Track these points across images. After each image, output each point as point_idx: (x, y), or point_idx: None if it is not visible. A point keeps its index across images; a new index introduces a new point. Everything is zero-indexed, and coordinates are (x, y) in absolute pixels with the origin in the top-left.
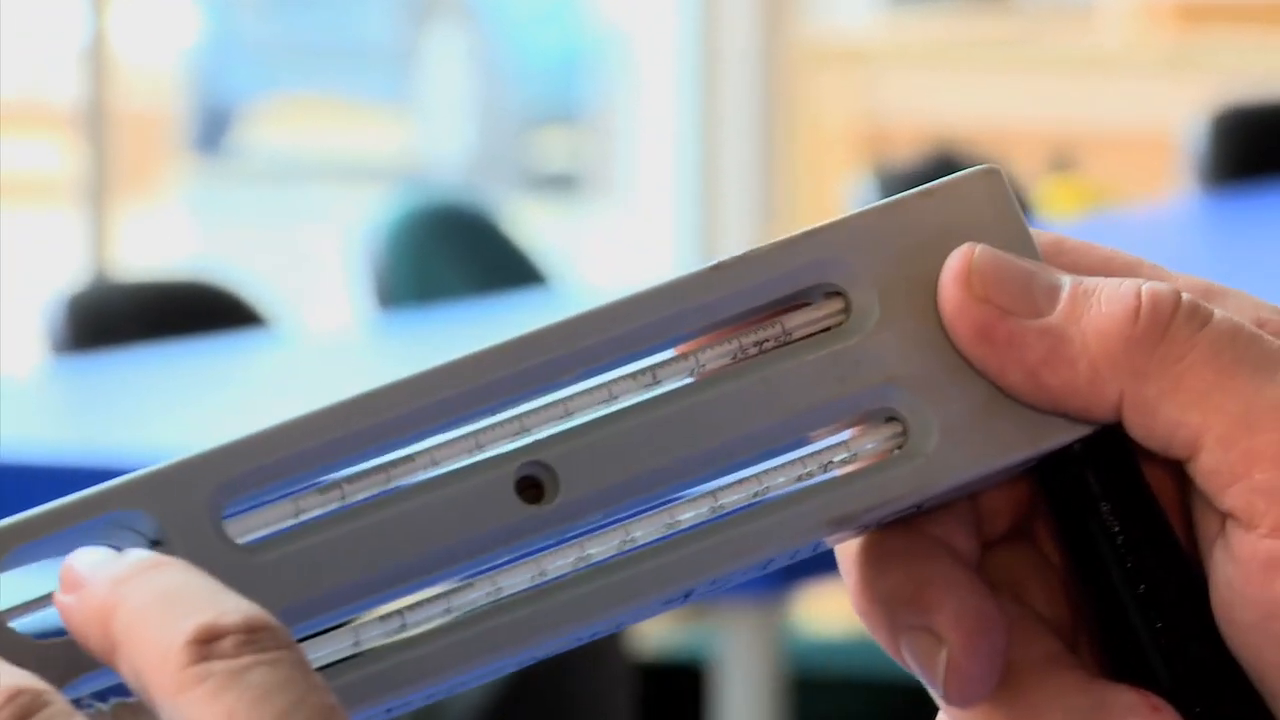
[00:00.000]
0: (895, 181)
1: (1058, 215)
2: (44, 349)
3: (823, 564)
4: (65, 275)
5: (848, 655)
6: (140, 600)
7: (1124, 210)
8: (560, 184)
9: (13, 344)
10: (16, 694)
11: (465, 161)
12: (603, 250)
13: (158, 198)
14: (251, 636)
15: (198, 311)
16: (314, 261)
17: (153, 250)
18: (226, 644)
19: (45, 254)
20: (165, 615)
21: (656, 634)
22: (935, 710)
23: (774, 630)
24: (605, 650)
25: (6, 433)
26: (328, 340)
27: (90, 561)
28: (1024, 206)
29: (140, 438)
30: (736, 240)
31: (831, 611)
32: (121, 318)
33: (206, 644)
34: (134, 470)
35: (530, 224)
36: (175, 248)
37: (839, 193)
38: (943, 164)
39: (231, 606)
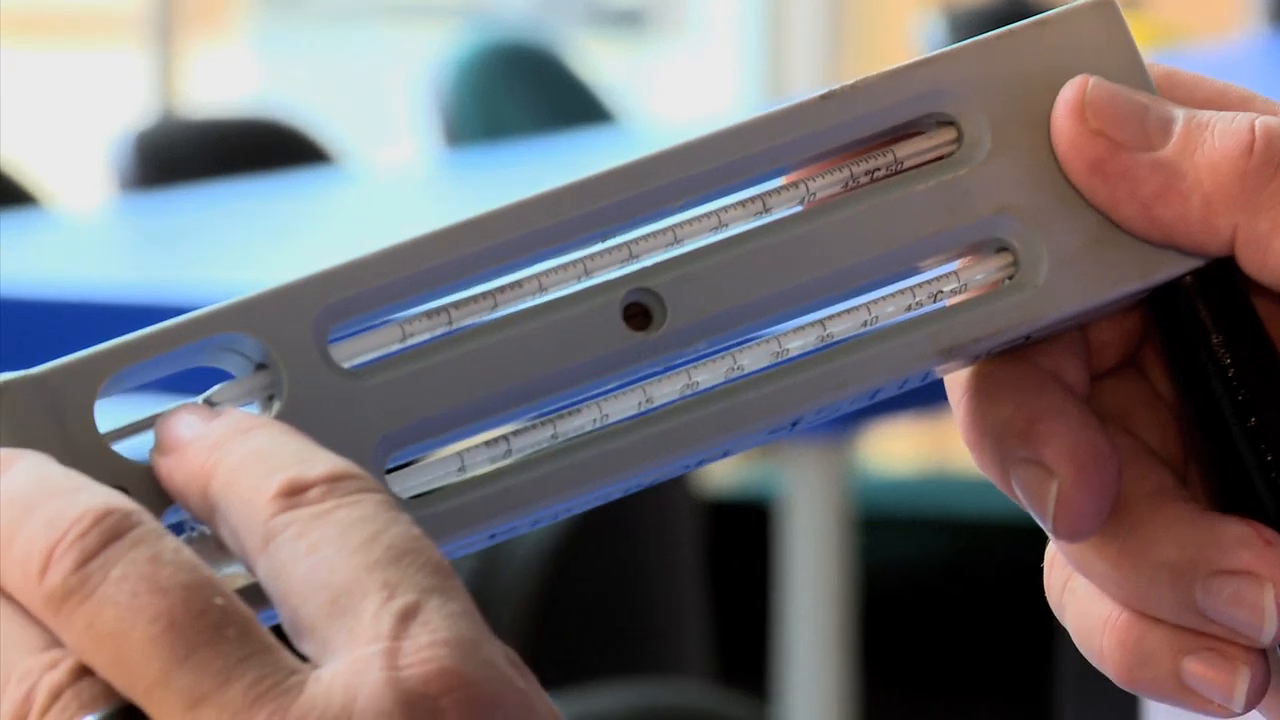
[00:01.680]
0: (965, 21)
1: None
2: (112, 186)
3: (891, 403)
4: (133, 112)
5: (915, 494)
6: (233, 463)
7: (1193, 48)
8: (627, 20)
9: (82, 180)
10: (106, 514)
11: None
12: (669, 87)
13: (225, 35)
14: (334, 485)
15: (265, 149)
16: (381, 100)
17: (220, 88)
18: (311, 494)
19: (113, 91)
20: (254, 474)
21: (723, 472)
22: (1002, 549)
23: (841, 469)
24: (672, 489)
25: (74, 269)
26: (395, 178)
27: (186, 423)
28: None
29: (207, 275)
30: (804, 77)
31: (899, 450)
32: (189, 155)
33: (292, 496)
34: (201, 307)
35: (597, 61)
36: (242, 85)
37: (908, 31)
38: (1014, 4)
39: (317, 459)
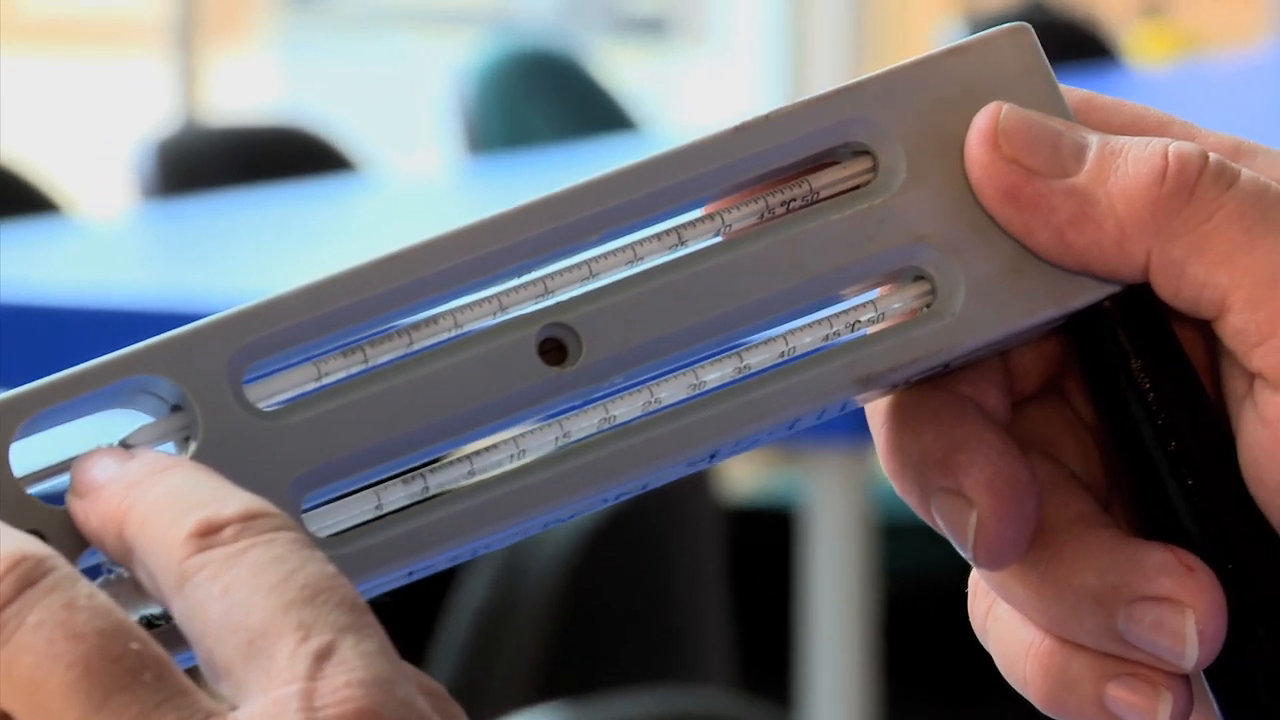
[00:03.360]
0: (988, 25)
1: (1148, 61)
2: (134, 193)
3: None
4: (155, 120)
5: None
6: (148, 504)
7: (1216, 56)
8: (650, 27)
9: (104, 188)
10: (20, 560)
11: (555, 5)
12: (692, 94)
13: (247, 42)
14: (248, 524)
15: (287, 156)
16: (404, 107)
17: (242, 95)
18: (225, 533)
19: (135, 99)
20: (169, 515)
21: (746, 479)
22: None
23: (863, 476)
24: (694, 495)
25: (96, 276)
26: (417, 185)
27: (101, 465)
28: (1113, 52)
29: (228, 282)
30: (826, 83)
31: None
32: (210, 163)
33: (206, 536)
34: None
35: (619, 68)
36: (265, 93)
37: (929, 36)
38: (1034, 9)
39: (231, 499)
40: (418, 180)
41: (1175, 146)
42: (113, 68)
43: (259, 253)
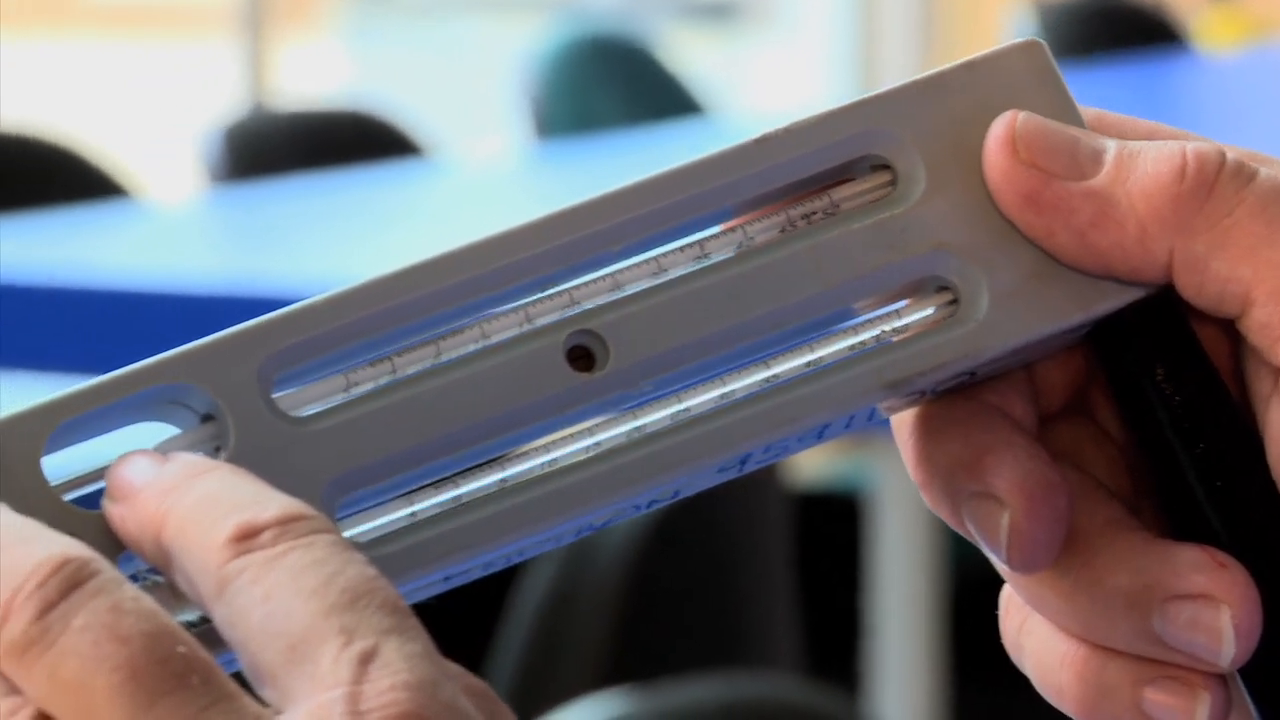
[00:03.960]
0: (1056, 16)
1: (1217, 46)
2: (202, 178)
3: None
4: (223, 105)
5: None
6: (185, 509)
7: None
8: (717, 12)
9: (172, 173)
10: (65, 563)
11: None
12: (760, 79)
13: (315, 27)
14: (287, 527)
15: (355, 141)
16: (472, 92)
17: (310, 80)
18: (264, 537)
19: (204, 84)
20: (207, 520)
21: (814, 465)
22: None
23: None
24: (762, 481)
25: (165, 261)
26: (485, 170)
27: (137, 469)
28: (1182, 38)
29: (297, 267)
30: (895, 69)
31: None
32: (279, 147)
33: (244, 540)
34: (291, 300)
35: (688, 53)
36: (333, 78)
37: (999, 22)
38: (1104, 1)
39: (269, 502)
40: (485, 165)
41: (1193, 145)
42: (182, 52)
43: (326, 237)
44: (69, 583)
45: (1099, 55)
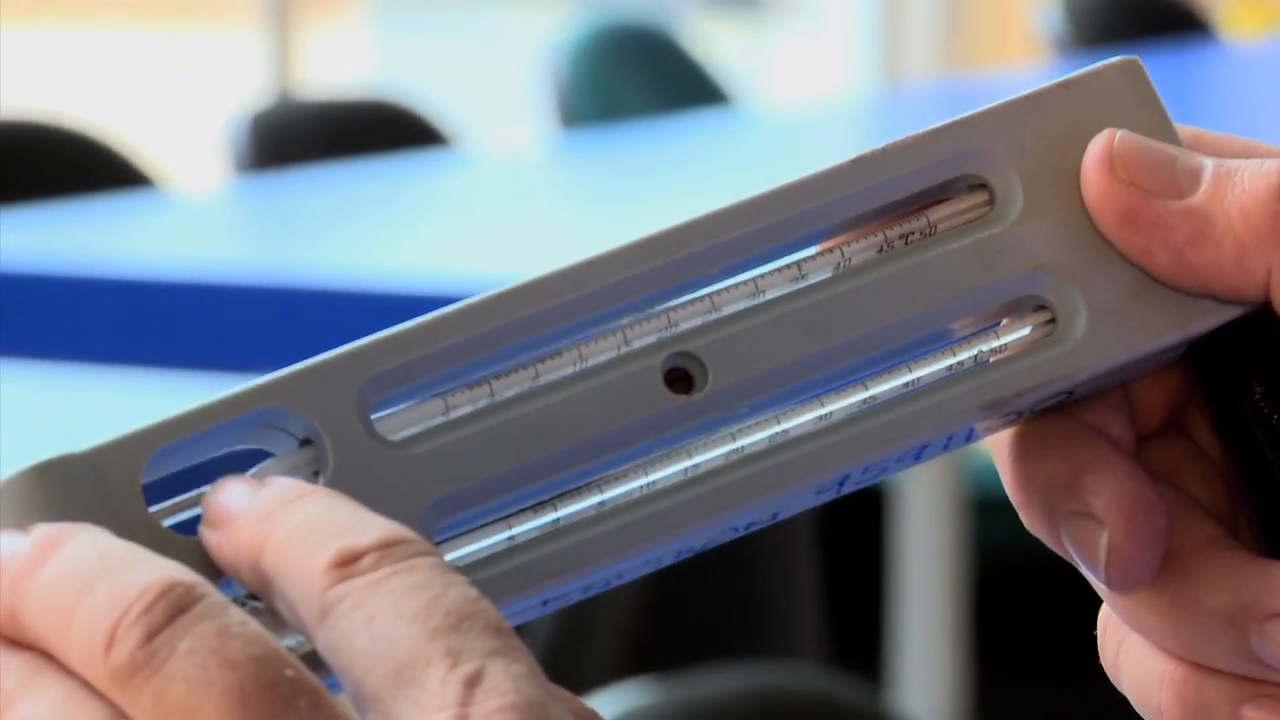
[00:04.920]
0: (1081, 5)
1: (1243, 35)
2: (228, 167)
3: None
4: (250, 94)
5: None
6: (284, 534)
7: None
8: (743, 2)
9: (198, 162)
10: (170, 587)
11: None
12: (785, 69)
13: (342, 16)
14: (387, 551)
15: (381, 131)
16: (498, 81)
17: (337, 69)
18: (365, 562)
19: (230, 73)
20: (306, 546)
21: None
22: None
23: (954, 452)
24: None
25: (191, 250)
26: (511, 159)
27: (234, 495)
28: (1207, 27)
29: (324, 256)
30: (919, 61)
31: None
32: (305, 136)
33: (345, 566)
34: (317, 289)
35: (713, 43)
36: (359, 67)
37: (1023, 15)
38: None
39: (368, 526)
40: (511, 154)
41: None
42: (208, 42)
43: (354, 227)
44: (175, 607)
45: (1125, 45)
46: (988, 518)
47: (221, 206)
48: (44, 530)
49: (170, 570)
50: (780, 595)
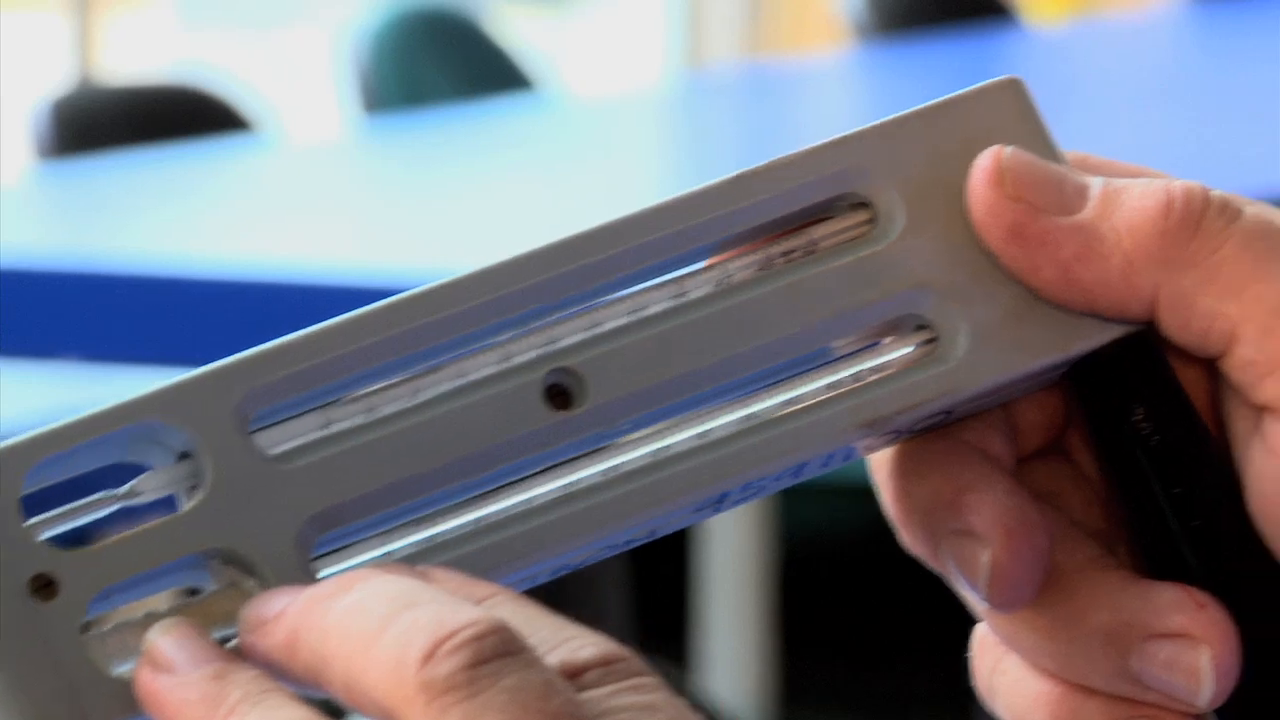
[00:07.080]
0: None
1: (1043, 19)
2: (29, 154)
3: None
4: (51, 79)
5: None
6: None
7: (1112, 17)
8: None
9: None
10: (499, 628)
11: None
12: (589, 56)
13: (147, 1)
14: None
15: (184, 116)
16: (301, 66)
17: (139, 54)
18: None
19: (31, 58)
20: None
21: None
22: None
23: None
24: None
25: None
26: (314, 145)
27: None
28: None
29: (128, 242)
30: (722, 46)
31: None
32: (107, 122)
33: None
34: (120, 275)
35: (517, 28)
36: (161, 52)
37: (824, 1)
38: None
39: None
40: (314, 140)
41: (1179, 183)
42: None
43: (157, 213)
44: (506, 647)
45: (927, 32)
46: (793, 500)
47: (24, 193)
48: (340, 573)
49: (492, 615)
50: (585, 578)
